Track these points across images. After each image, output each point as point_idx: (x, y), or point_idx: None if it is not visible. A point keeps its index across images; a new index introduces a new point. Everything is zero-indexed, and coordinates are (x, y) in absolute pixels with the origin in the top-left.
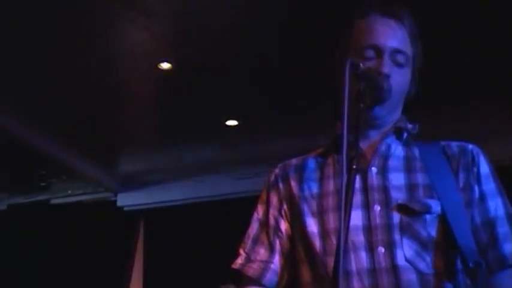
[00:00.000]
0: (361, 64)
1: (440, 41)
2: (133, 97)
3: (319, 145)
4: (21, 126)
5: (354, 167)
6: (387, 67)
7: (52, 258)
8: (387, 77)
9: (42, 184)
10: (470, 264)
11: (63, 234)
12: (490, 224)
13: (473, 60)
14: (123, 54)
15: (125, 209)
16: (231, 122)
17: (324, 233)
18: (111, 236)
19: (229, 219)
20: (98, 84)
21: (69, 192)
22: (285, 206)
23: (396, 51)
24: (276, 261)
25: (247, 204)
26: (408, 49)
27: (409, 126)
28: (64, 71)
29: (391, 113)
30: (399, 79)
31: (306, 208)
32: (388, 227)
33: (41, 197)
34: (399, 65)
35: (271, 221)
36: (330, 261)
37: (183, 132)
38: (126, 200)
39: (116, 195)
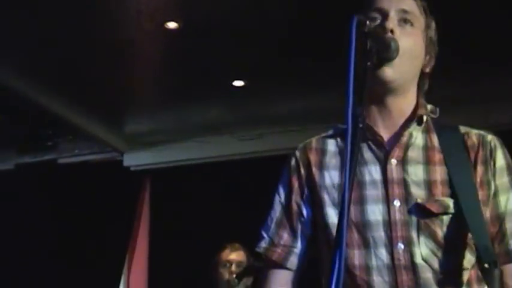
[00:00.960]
0: (367, 22)
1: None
2: (140, 57)
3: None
4: (27, 86)
5: (360, 125)
6: (392, 24)
7: (59, 218)
8: (392, 32)
9: (49, 144)
10: (486, 265)
11: (70, 194)
12: (499, 218)
13: (481, 22)
14: (129, 13)
15: (132, 168)
16: (238, 83)
17: None
18: (118, 195)
19: (235, 179)
20: (104, 43)
21: (76, 152)
22: (306, 192)
23: (403, 11)
24: (299, 246)
25: (252, 166)
26: (416, 12)
27: (429, 109)
28: (70, 31)
29: (404, 80)
30: (408, 39)
31: (326, 198)
32: (407, 224)
33: (48, 157)
34: (407, 24)
35: (294, 206)
36: (351, 253)
37: (190, 92)
38: (132, 159)
39: (122, 155)
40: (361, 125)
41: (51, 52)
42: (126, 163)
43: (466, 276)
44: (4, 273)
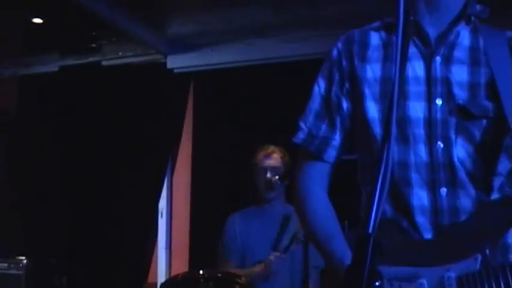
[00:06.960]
0: None
1: None
2: None
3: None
4: None
5: (411, 18)
6: None
7: (103, 119)
8: None
9: (93, 46)
10: None
11: (114, 96)
12: None
13: None
14: None
15: (175, 71)
16: None
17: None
18: (161, 97)
19: (279, 83)
20: None
21: (120, 54)
22: (347, 85)
23: None
24: (337, 138)
25: (297, 69)
26: None
27: (478, 8)
28: None
29: None
30: None
31: (367, 92)
32: (447, 123)
33: (92, 59)
34: None
35: (333, 98)
36: None
37: None
38: (176, 62)
39: (165, 57)
40: (412, 18)
41: None
42: (169, 65)
43: (503, 183)
44: (48, 173)
